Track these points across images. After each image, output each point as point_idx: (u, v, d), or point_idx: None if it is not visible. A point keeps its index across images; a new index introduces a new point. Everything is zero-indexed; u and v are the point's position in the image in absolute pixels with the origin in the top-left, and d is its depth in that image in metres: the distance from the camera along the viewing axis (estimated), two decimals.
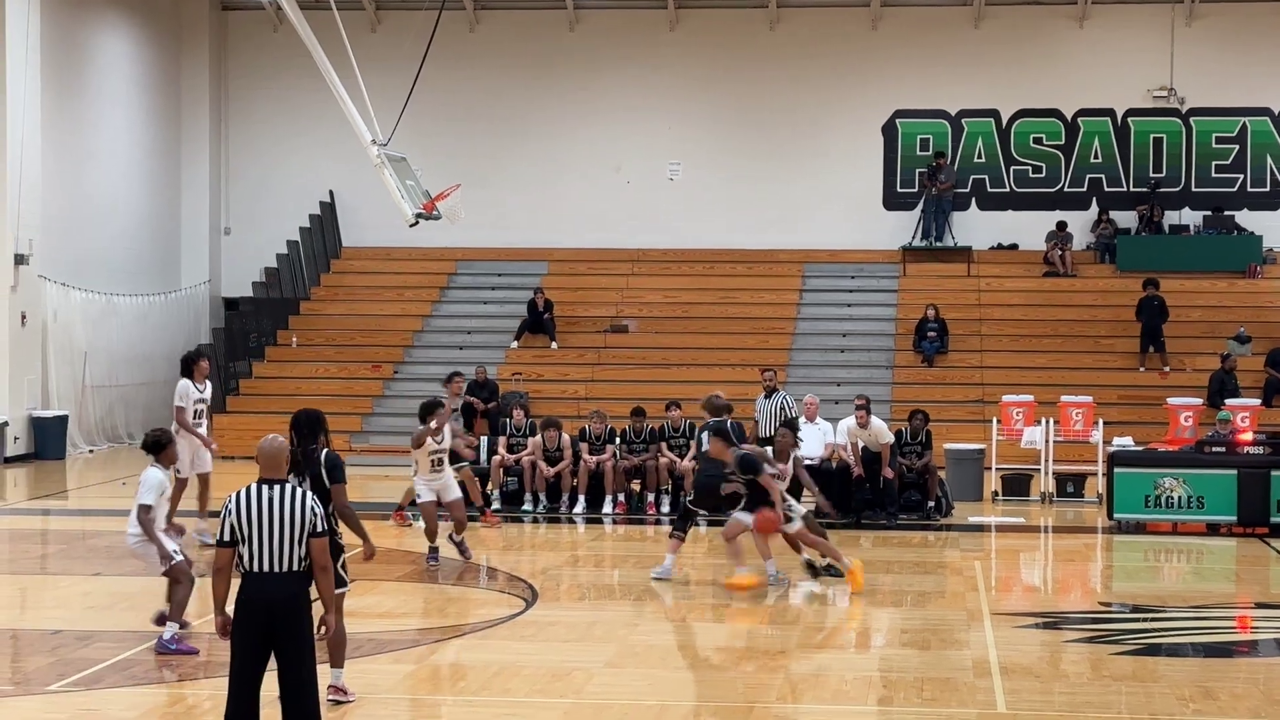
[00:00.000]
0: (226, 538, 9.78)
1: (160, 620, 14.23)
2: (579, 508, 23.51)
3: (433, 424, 18.69)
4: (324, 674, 11.75)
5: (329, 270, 37.44)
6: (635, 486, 24.05)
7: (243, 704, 9.86)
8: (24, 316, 30.65)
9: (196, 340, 36.84)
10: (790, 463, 18.34)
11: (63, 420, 31.49)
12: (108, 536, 20.61)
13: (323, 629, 10.02)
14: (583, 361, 33.36)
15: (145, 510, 13.97)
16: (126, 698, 12.57)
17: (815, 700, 12.66)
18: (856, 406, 23.31)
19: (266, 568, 9.73)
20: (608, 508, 23.38)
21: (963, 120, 37.00)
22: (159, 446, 14.31)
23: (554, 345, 33.96)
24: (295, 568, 9.79)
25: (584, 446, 23.69)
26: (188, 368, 19.63)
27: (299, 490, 9.87)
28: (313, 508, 9.83)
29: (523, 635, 15.03)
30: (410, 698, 12.55)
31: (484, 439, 25.56)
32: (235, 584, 9.99)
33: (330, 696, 11.85)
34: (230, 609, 9.94)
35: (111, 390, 33.81)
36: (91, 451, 32.53)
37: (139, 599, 15.75)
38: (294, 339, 35.16)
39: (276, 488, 9.82)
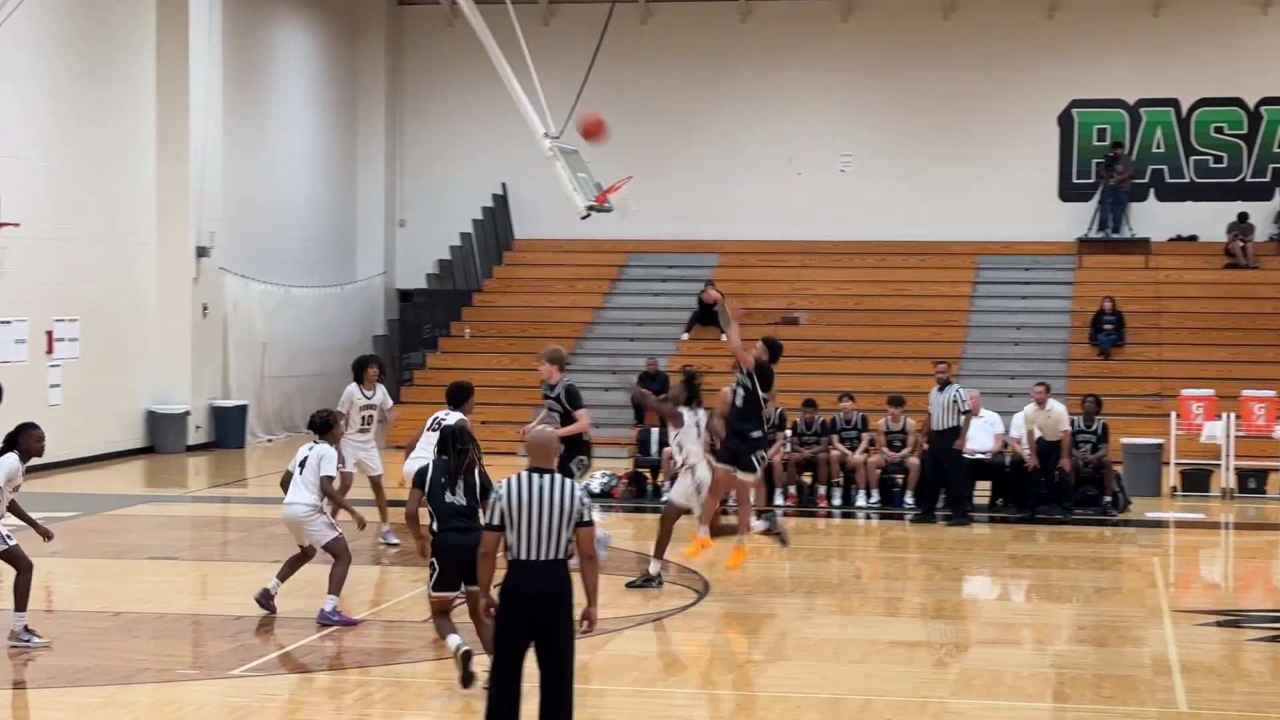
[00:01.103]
0: (496, 522, 9.86)
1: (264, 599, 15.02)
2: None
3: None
4: None
5: (501, 262, 37.73)
6: (807, 479, 23.99)
7: (507, 695, 9.90)
8: (205, 308, 31.21)
9: (372, 332, 37.33)
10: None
11: (242, 410, 32.04)
12: None
13: (585, 623, 10.01)
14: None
15: (329, 480, 14.79)
16: (307, 683, 12.76)
17: (990, 696, 12.53)
18: (1036, 385, 23.09)
19: (533, 555, 9.78)
20: (779, 500, 23.32)
21: (1141, 110, 36.42)
22: (327, 426, 15.12)
23: (724, 337, 33.79)
24: (561, 556, 9.84)
25: None
26: (357, 373, 19.80)
27: (568, 480, 9.93)
28: (581, 498, 9.90)
29: (695, 626, 15.05)
30: (583, 687, 12.59)
31: (655, 430, 25.62)
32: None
33: None
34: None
35: (289, 381, 34.33)
36: (270, 440, 33.06)
37: (318, 586, 15.96)
38: (467, 330, 35.47)
39: (546, 477, 9.87)
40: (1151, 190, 36.31)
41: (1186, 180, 36.29)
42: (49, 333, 27.47)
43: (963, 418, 22.16)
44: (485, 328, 35.41)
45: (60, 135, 27.68)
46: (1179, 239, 35.93)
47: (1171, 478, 24.94)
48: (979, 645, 14.58)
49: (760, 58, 37.45)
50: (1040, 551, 20.14)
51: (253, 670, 12.93)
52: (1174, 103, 36.25)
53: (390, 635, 14.64)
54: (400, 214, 39.06)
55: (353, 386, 19.57)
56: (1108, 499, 23.11)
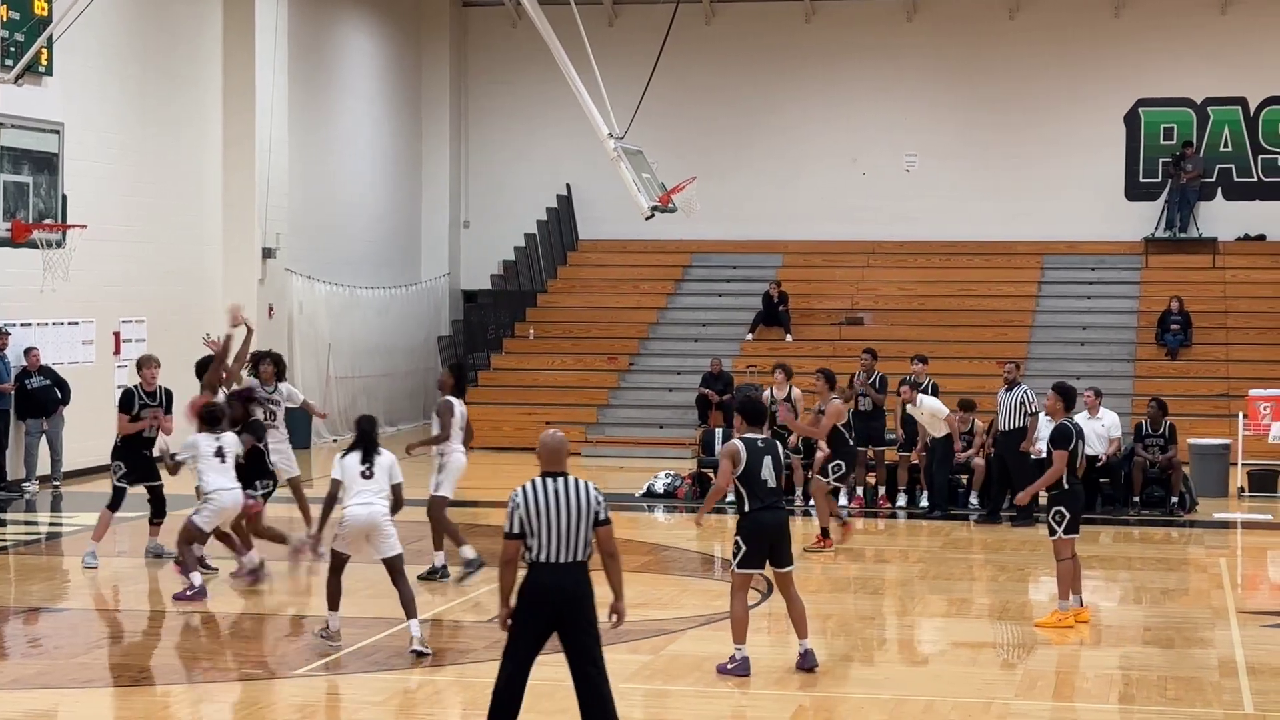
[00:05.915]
0: (516, 530, 9.94)
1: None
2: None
3: None
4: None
5: (566, 263, 37.78)
6: (870, 480, 23.94)
7: (513, 686, 10.00)
8: (271, 309, 31.36)
9: (436, 332, 37.42)
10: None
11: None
12: None
13: (614, 616, 10.15)
14: (818, 354, 33.16)
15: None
16: (370, 683, 12.82)
17: (1055, 697, 12.49)
18: (1086, 390, 23.04)
19: (554, 558, 9.87)
20: (843, 500, 23.25)
21: (1208, 108, 36.13)
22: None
23: (789, 338, 33.88)
24: (580, 557, 9.94)
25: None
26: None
27: (582, 481, 10.02)
28: (597, 497, 10.01)
29: (758, 627, 14.99)
30: (645, 687, 12.62)
31: (719, 430, 25.62)
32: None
33: None
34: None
35: (355, 381, 34.46)
36: (335, 441, 33.14)
37: (383, 586, 15.98)
38: (531, 331, 35.54)
39: (560, 480, 9.99)
40: (1219, 189, 36.03)
41: (1254, 179, 35.98)
42: (116, 334, 27.68)
43: (1030, 419, 22.06)
44: (549, 328, 35.47)
45: (127, 138, 27.88)
46: (1246, 238, 35.65)
47: (1239, 478, 24.78)
48: (1044, 646, 14.51)
49: (825, 58, 37.36)
50: (1106, 553, 20.03)
51: (318, 670, 13.00)
52: (1242, 101, 35.94)
53: (461, 635, 14.70)
54: (465, 215, 39.18)
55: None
56: (1174, 499, 22.99)
